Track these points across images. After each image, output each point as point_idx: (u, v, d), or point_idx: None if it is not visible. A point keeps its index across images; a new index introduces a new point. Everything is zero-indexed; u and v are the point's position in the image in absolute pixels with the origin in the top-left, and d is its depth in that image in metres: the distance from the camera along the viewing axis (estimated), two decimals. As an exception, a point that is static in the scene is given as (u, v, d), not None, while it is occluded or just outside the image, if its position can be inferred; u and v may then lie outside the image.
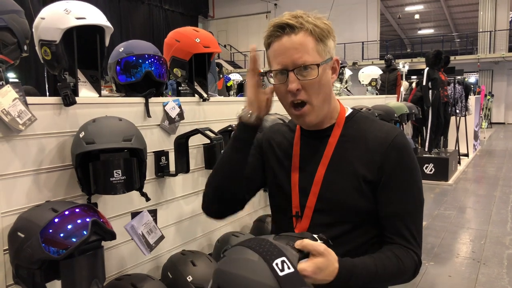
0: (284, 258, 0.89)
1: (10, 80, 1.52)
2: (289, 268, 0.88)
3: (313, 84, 1.14)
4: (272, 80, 1.19)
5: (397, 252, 1.16)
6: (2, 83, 1.46)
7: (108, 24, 1.75)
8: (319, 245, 0.98)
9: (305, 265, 0.94)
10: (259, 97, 1.23)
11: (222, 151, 2.14)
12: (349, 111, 1.29)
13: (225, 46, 23.47)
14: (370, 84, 6.12)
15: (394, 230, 1.19)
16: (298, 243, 0.96)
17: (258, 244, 0.92)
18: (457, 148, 8.32)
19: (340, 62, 1.25)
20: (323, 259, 0.97)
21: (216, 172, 1.30)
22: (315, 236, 1.02)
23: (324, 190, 1.20)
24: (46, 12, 1.69)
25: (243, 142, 1.25)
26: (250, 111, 1.22)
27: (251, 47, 1.23)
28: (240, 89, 6.62)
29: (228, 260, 0.92)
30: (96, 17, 1.71)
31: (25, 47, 1.54)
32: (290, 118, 1.28)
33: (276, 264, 0.87)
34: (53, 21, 1.65)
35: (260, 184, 1.38)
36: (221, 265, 0.93)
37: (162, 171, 2.05)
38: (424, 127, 7.57)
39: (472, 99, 9.57)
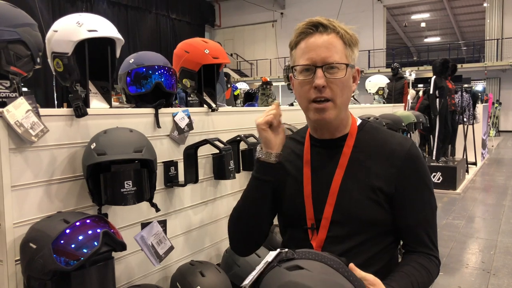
0: None
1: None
2: None
3: (338, 83, 1.16)
4: (296, 76, 1.20)
5: (424, 263, 1.19)
6: (16, 95, 1.48)
7: (119, 36, 1.77)
8: (373, 278, 0.98)
9: None
10: (275, 138, 1.24)
11: (231, 161, 2.17)
12: (358, 121, 1.30)
13: (231, 55, 23.62)
14: (377, 92, 6.11)
15: (415, 238, 1.21)
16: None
17: (344, 269, 0.86)
18: (465, 157, 8.26)
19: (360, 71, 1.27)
20: None
21: (241, 213, 1.31)
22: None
23: (341, 201, 1.20)
24: (59, 25, 1.71)
25: (265, 181, 1.25)
26: (269, 150, 1.23)
27: (275, 104, 1.24)
28: (247, 98, 6.64)
29: (313, 277, 0.82)
30: (107, 29, 1.73)
31: (38, 60, 1.56)
32: (297, 128, 1.29)
33: None
34: (65, 33, 1.67)
35: (276, 208, 1.37)
36: (300, 278, 0.81)
37: (171, 181, 2.06)
38: (431, 136, 7.54)
39: (479, 107, 9.53)
